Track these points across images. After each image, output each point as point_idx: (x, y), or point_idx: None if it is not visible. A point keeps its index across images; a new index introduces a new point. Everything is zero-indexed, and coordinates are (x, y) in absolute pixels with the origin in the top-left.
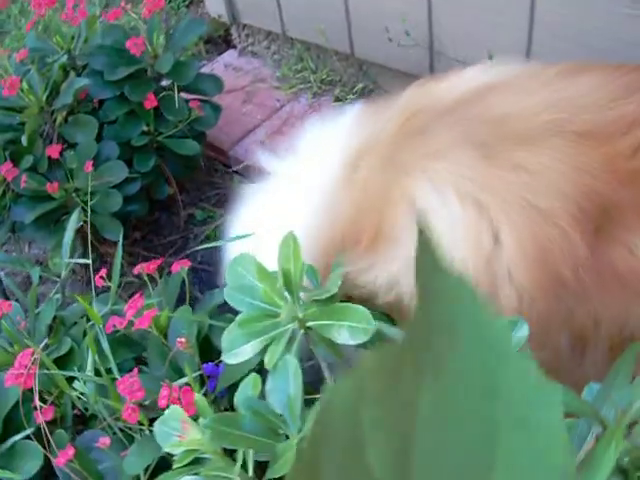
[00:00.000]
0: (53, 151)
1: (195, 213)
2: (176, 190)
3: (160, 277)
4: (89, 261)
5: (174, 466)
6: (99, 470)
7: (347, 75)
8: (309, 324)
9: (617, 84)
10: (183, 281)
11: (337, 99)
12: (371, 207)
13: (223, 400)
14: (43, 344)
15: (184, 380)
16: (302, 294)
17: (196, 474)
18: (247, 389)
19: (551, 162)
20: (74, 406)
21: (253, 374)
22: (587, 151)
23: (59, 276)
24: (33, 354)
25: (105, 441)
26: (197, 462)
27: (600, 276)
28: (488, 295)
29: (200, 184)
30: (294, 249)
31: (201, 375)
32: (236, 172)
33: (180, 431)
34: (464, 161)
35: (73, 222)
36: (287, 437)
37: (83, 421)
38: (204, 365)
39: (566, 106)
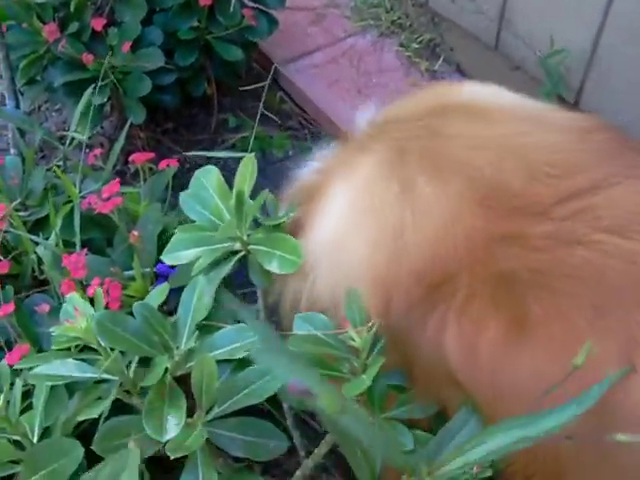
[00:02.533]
0: (97, 24)
1: (229, 119)
2: (214, 92)
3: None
4: (82, 139)
5: (53, 346)
6: (35, 332)
7: (418, 23)
8: (250, 247)
9: (587, 148)
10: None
11: (401, 44)
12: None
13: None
14: (17, 202)
15: (132, 272)
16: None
17: (70, 358)
18: (157, 295)
19: (441, 199)
20: (33, 269)
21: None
22: (483, 211)
23: (82, 146)
24: (4, 209)
25: (45, 308)
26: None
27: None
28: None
29: (242, 92)
30: (251, 171)
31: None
32: (283, 90)
33: (72, 317)
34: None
35: (98, 95)
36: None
37: (38, 285)
38: (158, 264)
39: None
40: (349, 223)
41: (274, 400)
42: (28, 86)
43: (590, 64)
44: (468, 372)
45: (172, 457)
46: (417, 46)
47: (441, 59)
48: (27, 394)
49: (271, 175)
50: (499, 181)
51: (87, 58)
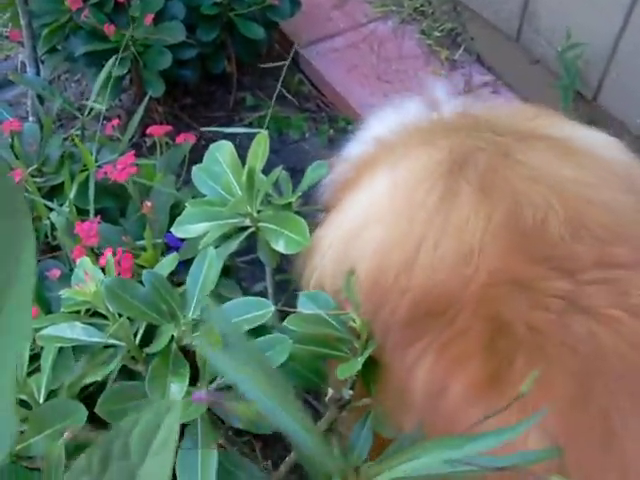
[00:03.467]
0: None
1: (247, 97)
2: (234, 70)
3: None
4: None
5: (62, 309)
6: (45, 297)
7: (440, 11)
8: (260, 224)
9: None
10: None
11: (422, 32)
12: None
13: (180, 274)
14: (33, 168)
15: (143, 242)
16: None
17: (78, 322)
18: (167, 265)
19: (476, 223)
20: (46, 235)
21: (174, 254)
22: (511, 250)
23: (99, 117)
24: (21, 174)
25: (56, 273)
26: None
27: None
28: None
29: (262, 72)
30: (264, 149)
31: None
32: (303, 72)
33: (83, 282)
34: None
35: (118, 67)
36: (174, 320)
37: (50, 251)
38: (167, 235)
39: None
40: (376, 215)
41: None
42: (49, 54)
43: (610, 62)
44: (429, 410)
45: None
46: (438, 34)
47: (462, 48)
48: (36, 358)
49: (286, 156)
50: (542, 225)
51: (109, 29)
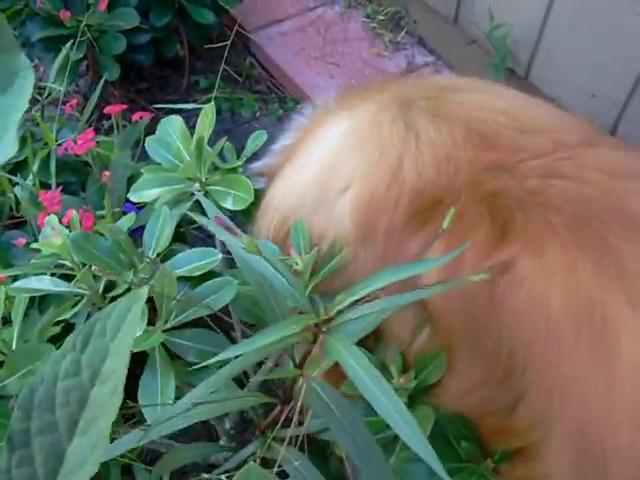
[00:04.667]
0: None
1: (200, 80)
2: (186, 54)
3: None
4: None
5: (33, 259)
6: (13, 265)
7: None
8: (208, 188)
9: (571, 122)
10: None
11: (367, 16)
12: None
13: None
14: None
15: (103, 212)
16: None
17: (47, 274)
18: (126, 222)
19: (439, 139)
20: (11, 209)
21: (132, 213)
22: (478, 150)
23: (58, 102)
24: None
25: (22, 241)
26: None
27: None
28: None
29: (215, 56)
30: (210, 119)
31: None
32: (253, 56)
33: (50, 236)
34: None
35: (75, 52)
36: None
37: (15, 224)
38: (125, 204)
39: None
40: (347, 150)
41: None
42: None
43: (539, 41)
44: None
45: (133, 350)
46: (382, 18)
47: (404, 31)
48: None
49: (238, 135)
50: (498, 133)
51: (64, 15)
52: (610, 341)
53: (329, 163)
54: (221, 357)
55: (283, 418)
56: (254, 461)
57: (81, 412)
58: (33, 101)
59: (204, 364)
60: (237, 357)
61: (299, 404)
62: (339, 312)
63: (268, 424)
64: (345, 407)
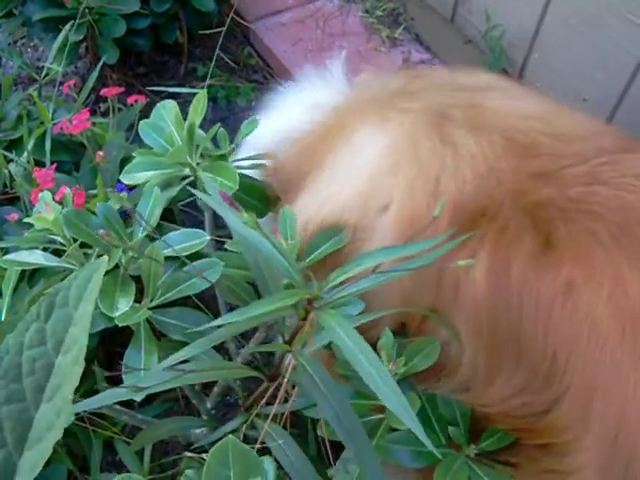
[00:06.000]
0: None
1: (198, 67)
2: (185, 40)
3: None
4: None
5: (26, 233)
6: (4, 239)
7: None
8: (198, 174)
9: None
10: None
11: (366, 11)
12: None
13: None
14: None
15: (95, 191)
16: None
17: (39, 248)
18: (115, 201)
19: (479, 151)
20: (5, 185)
21: (122, 193)
22: (519, 159)
23: (55, 83)
24: None
25: (14, 216)
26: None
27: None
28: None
29: (214, 44)
30: (202, 105)
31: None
32: (251, 45)
33: (44, 210)
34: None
35: (74, 33)
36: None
37: (9, 200)
38: (117, 184)
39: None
40: (385, 170)
41: (213, 296)
42: (5, 19)
43: (533, 42)
44: (496, 295)
45: (120, 325)
46: (380, 14)
47: (401, 28)
48: None
49: (234, 123)
50: (537, 143)
51: None
52: None
53: (366, 184)
54: (215, 324)
55: (268, 395)
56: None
57: (47, 380)
58: (31, 80)
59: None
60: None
61: (285, 380)
62: (332, 289)
63: (253, 401)
64: (331, 384)
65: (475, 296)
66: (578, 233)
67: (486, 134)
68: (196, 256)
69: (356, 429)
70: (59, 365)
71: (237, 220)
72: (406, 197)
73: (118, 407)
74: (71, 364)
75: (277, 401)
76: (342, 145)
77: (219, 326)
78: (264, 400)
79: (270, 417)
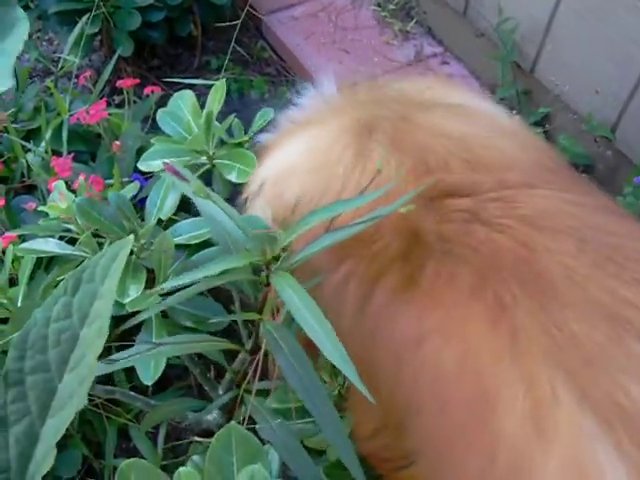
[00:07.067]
0: None
1: (211, 60)
2: (199, 33)
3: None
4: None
5: (41, 221)
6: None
7: None
8: (215, 162)
9: (527, 157)
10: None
11: (378, 5)
12: None
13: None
14: (11, 111)
15: (111, 181)
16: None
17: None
18: (129, 190)
19: (385, 170)
20: (23, 175)
21: (136, 182)
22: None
23: (70, 76)
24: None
25: (32, 205)
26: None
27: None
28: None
29: (227, 37)
30: (220, 95)
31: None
32: (264, 39)
33: (58, 199)
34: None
35: (90, 26)
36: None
37: (26, 189)
38: (134, 174)
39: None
40: (294, 174)
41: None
42: None
43: (545, 37)
44: (358, 314)
45: (130, 310)
46: (393, 7)
47: (414, 21)
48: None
49: (247, 116)
50: (445, 166)
51: None
52: (492, 418)
53: (283, 176)
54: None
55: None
56: (241, 422)
57: (71, 351)
58: (47, 72)
59: None
60: None
61: (262, 351)
62: (283, 250)
63: (242, 376)
64: (296, 350)
65: (346, 316)
66: (442, 277)
67: (400, 152)
68: (206, 245)
69: (319, 394)
70: (83, 337)
71: (187, 189)
72: (309, 205)
73: (132, 394)
74: (95, 335)
75: (257, 374)
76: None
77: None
78: (250, 375)
79: (254, 392)
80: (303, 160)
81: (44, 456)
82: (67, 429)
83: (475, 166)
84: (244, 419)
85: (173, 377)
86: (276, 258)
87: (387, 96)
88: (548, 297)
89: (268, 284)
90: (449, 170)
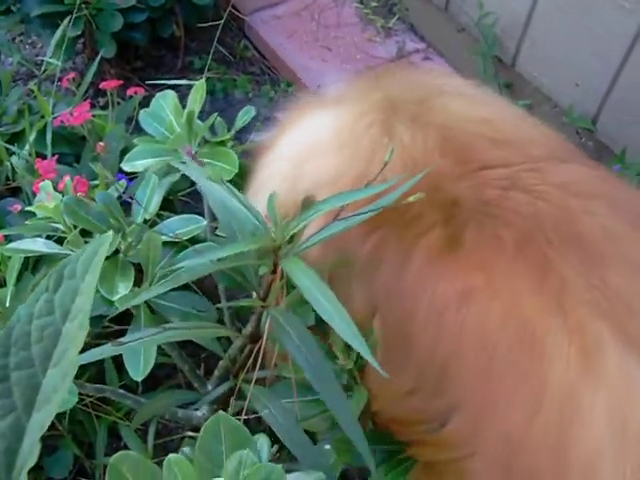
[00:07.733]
0: None
1: (194, 61)
2: (182, 34)
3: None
4: (58, 62)
5: (28, 221)
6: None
7: None
8: (198, 160)
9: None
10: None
11: (360, 2)
12: None
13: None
14: None
15: (96, 182)
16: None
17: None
18: (114, 190)
19: (412, 145)
20: (7, 178)
21: (122, 180)
22: (447, 159)
23: (54, 78)
24: None
25: (17, 207)
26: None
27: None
28: None
29: (210, 37)
30: (201, 94)
31: None
32: (247, 38)
33: (45, 199)
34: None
35: (72, 28)
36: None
37: (11, 192)
38: (118, 174)
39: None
40: (322, 148)
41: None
42: (4, 16)
43: (525, 31)
44: (391, 284)
45: (120, 309)
46: (375, 4)
47: (396, 18)
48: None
49: (231, 115)
50: (471, 143)
51: None
52: (539, 366)
53: (305, 158)
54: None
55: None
56: (237, 414)
57: (54, 347)
58: (30, 75)
59: None
60: None
61: (264, 339)
62: (293, 236)
63: (239, 366)
64: (303, 333)
65: (382, 280)
66: (485, 237)
67: (425, 129)
68: (193, 241)
69: (327, 376)
70: (66, 332)
71: (202, 174)
72: (333, 182)
73: (122, 392)
74: (77, 329)
75: (258, 362)
76: (297, 125)
77: None
78: (249, 364)
79: (253, 381)
80: (327, 138)
81: (30, 450)
82: (58, 430)
83: (501, 145)
84: (240, 410)
85: (162, 377)
86: (287, 242)
87: (408, 84)
88: (590, 254)
89: (274, 272)
90: (476, 148)
